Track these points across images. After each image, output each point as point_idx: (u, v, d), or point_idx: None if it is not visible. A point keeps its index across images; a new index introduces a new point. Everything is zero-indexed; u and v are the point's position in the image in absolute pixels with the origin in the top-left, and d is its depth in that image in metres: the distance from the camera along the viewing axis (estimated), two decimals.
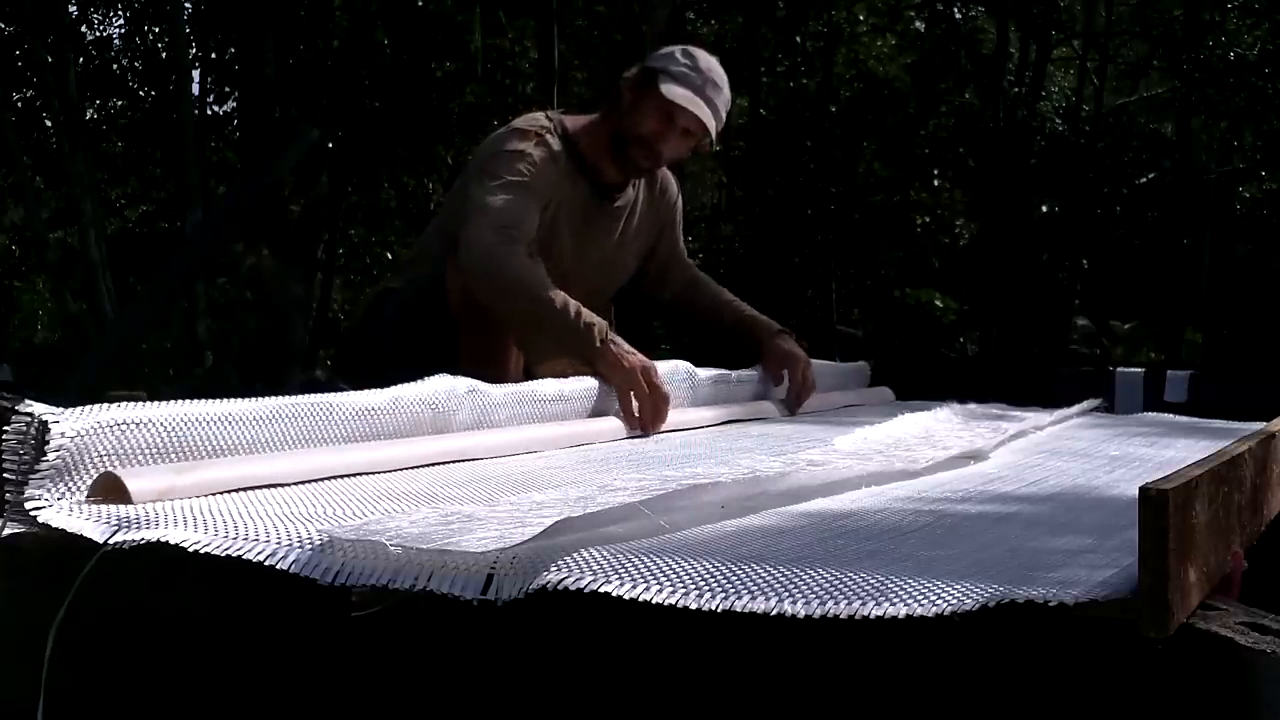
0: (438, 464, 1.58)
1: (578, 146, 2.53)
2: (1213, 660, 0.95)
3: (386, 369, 1.77)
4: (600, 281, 2.63)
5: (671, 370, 2.25)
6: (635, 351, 2.20)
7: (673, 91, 2.45)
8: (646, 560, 0.98)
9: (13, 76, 11.53)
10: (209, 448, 1.33)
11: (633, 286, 2.79)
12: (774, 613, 0.90)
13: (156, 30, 12.33)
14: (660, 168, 2.64)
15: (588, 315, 2.24)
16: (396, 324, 2.47)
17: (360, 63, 10.93)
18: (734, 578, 0.95)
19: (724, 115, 2.52)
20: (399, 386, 1.66)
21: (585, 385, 2.06)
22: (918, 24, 13.39)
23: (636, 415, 2.11)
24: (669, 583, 0.94)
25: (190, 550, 1.04)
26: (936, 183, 13.46)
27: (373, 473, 1.47)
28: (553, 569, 0.96)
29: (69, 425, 1.18)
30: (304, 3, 10.91)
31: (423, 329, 2.40)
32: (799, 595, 0.91)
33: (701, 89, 2.47)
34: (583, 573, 0.96)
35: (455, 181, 2.99)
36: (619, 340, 2.22)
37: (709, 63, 2.50)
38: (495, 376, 2.08)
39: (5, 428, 1.15)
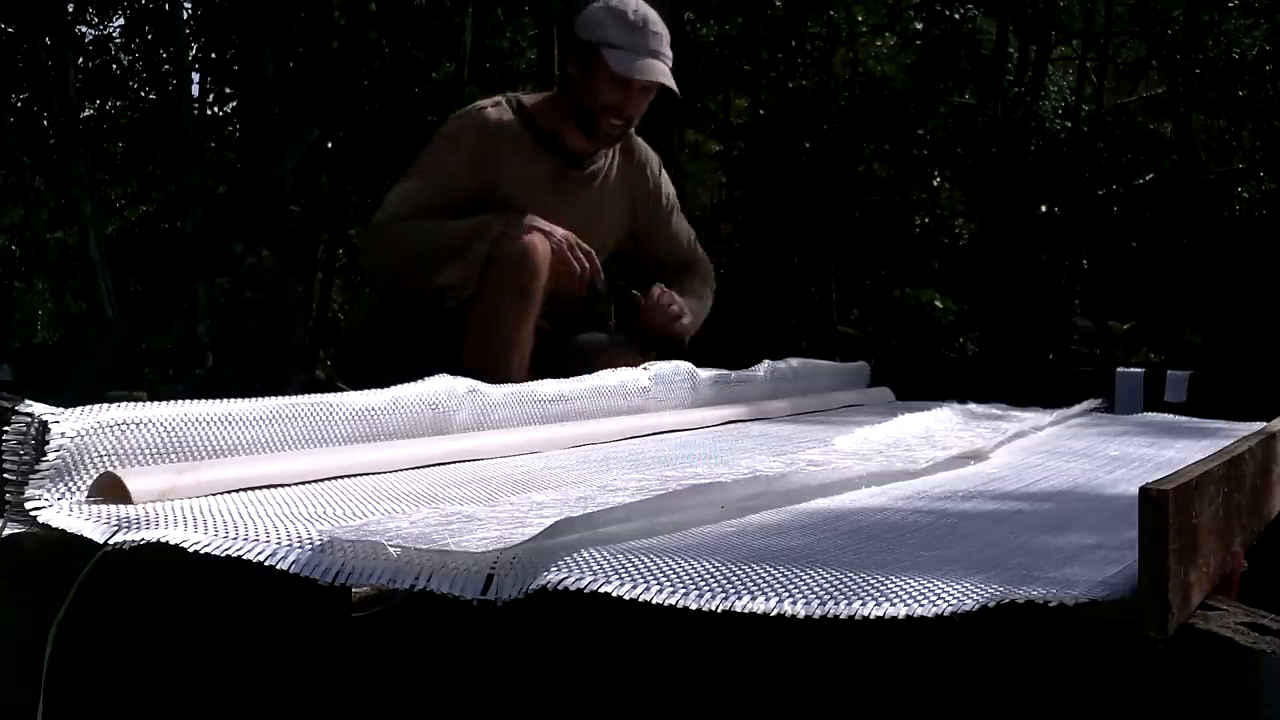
0: (438, 464, 1.58)
1: (536, 121, 2.53)
2: (1213, 660, 0.95)
3: (397, 375, 1.75)
4: None
5: (672, 370, 2.25)
6: (540, 220, 2.38)
7: (621, 62, 2.43)
8: (646, 560, 0.98)
9: (13, 76, 11.54)
10: (209, 448, 1.33)
11: (626, 268, 2.79)
12: (774, 613, 0.90)
13: (156, 30, 12.34)
14: (632, 127, 2.61)
15: (479, 217, 2.39)
16: (403, 330, 2.46)
17: (359, 63, 10.93)
18: (734, 578, 0.95)
19: (670, 53, 2.50)
20: (399, 386, 1.66)
21: (585, 385, 2.06)
22: (917, 24, 13.40)
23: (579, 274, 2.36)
24: (669, 583, 0.94)
25: (190, 550, 1.04)
26: (936, 182, 13.47)
27: (373, 473, 1.47)
28: (553, 569, 0.96)
29: (69, 425, 1.18)
30: (303, 3, 10.91)
31: (428, 331, 2.39)
32: (799, 595, 0.91)
33: (646, 46, 2.45)
34: (583, 573, 0.95)
35: None
36: (516, 220, 2.37)
37: (639, 9, 2.47)
38: (501, 371, 2.08)
39: (5, 428, 1.15)
